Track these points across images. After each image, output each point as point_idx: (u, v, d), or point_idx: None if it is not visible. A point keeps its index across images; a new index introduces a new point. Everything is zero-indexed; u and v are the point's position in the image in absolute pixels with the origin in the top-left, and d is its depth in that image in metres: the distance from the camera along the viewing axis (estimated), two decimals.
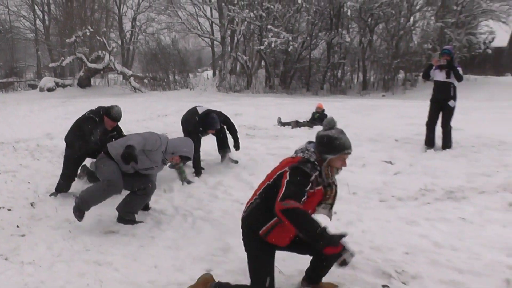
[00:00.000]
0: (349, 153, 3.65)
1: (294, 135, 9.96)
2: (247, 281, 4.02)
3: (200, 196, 6.47)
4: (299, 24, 28.52)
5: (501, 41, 34.27)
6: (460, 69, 9.02)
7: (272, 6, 26.37)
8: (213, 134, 7.89)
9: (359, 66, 29.06)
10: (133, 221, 5.54)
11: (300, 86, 28.48)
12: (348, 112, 14.34)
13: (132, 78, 27.89)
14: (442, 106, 8.97)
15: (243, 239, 3.83)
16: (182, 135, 7.48)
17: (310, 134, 10.36)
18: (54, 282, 4.03)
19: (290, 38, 25.74)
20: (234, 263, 4.40)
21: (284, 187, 3.40)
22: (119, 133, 6.75)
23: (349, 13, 27.08)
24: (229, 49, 28.15)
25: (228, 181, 6.92)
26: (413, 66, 27.50)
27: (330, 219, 3.90)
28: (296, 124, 11.70)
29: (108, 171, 5.39)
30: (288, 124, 11.74)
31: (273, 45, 25.46)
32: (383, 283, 4.02)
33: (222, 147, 8.12)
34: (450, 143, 9.05)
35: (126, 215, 5.55)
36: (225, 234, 5.04)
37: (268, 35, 25.78)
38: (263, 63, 29.01)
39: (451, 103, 8.89)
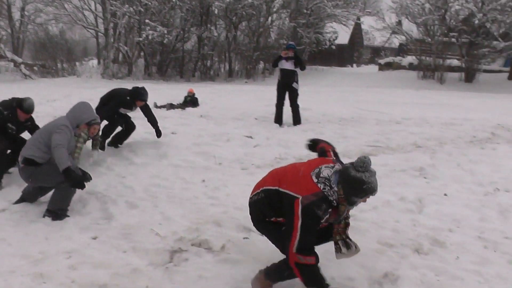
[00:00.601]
0: (374, 195, 3.04)
1: (168, 116, 9.82)
2: (128, 245, 3.94)
3: None
4: (174, 20, 27.88)
5: (343, 40, 36.66)
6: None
7: (149, 3, 25.60)
8: (121, 126, 7.13)
9: (226, 57, 29.20)
10: (65, 216, 4.67)
11: (174, 74, 28.02)
12: (216, 96, 14.40)
13: (22, 66, 25.73)
14: (287, 89, 9.36)
15: (253, 223, 3.42)
16: None
17: (183, 114, 10.31)
18: None
19: (166, 32, 25.22)
20: (116, 229, 4.28)
21: (299, 234, 2.89)
22: (33, 123, 5.91)
23: (216, 11, 27.10)
24: (112, 40, 26.96)
25: (111, 158, 6.67)
26: (271, 58, 28.06)
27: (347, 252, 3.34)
28: (171, 106, 11.54)
29: (51, 176, 4.59)
30: (163, 106, 11.54)
31: (150, 38, 24.84)
32: (244, 236, 4.11)
33: (118, 140, 7.25)
34: (299, 120, 9.45)
35: (62, 213, 4.63)
36: (107, 205, 4.86)
37: (146, 29, 25.07)
38: (142, 53, 28.16)
39: (294, 85, 9.34)
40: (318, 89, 18.86)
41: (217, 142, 7.51)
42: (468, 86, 25.53)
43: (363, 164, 2.93)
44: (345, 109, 11.83)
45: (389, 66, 31.58)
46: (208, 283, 3.36)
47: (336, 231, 3.26)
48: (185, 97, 12.38)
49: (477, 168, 6.37)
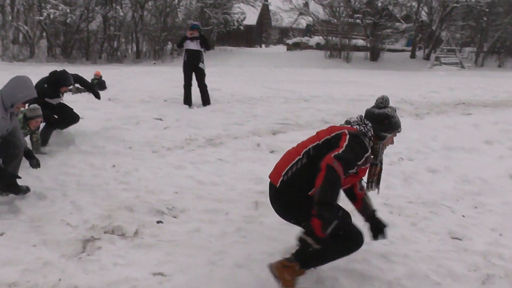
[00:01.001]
0: (400, 131, 3.14)
1: (75, 100, 9.34)
2: (38, 238, 3.68)
3: None
4: None
5: (251, 20, 36.92)
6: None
7: None
8: (53, 117, 6.27)
9: (133, 37, 28.29)
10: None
11: (80, 56, 26.71)
12: (124, 78, 13.93)
13: None
14: (194, 70, 9.28)
15: (284, 208, 3.05)
16: None
17: (90, 98, 9.83)
18: None
19: (68, 11, 23.88)
20: (25, 222, 3.94)
21: (344, 149, 2.74)
22: None
23: None
24: (9, 18, 24.96)
25: None
26: (179, 39, 27.61)
27: (378, 192, 3.38)
28: (77, 90, 10.97)
29: None
30: (69, 90, 10.96)
31: (52, 17, 23.40)
32: (157, 220, 4.03)
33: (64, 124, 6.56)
34: (209, 100, 9.41)
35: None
36: (13, 197, 4.48)
37: (47, 7, 23.58)
38: (44, 33, 26.44)
39: (201, 65, 9.29)
40: (227, 70, 18.87)
41: (126, 126, 7.29)
42: (373, 65, 26.88)
43: (382, 100, 3.07)
44: (254, 88, 11.94)
45: (297, 46, 32.39)
46: (123, 269, 3.27)
47: (372, 174, 3.23)
48: (92, 80, 11.83)
49: None
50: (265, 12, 43.92)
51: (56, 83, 6.13)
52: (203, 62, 9.34)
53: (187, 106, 9.19)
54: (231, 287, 3.07)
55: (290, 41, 34.11)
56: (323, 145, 2.92)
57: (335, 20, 28.85)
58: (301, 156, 2.96)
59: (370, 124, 3.02)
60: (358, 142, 2.85)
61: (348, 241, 2.92)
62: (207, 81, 9.45)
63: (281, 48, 36.94)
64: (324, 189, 2.64)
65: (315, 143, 2.97)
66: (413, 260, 3.46)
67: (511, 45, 29.73)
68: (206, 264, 3.32)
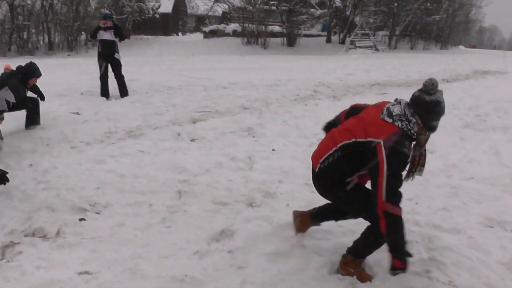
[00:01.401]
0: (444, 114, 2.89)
1: None
2: None
3: None
4: None
5: (166, 8, 36.19)
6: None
7: None
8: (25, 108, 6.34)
9: (44, 28, 26.73)
10: None
11: None
12: None
13: None
14: (109, 60, 9.02)
15: (324, 190, 3.09)
16: None
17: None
18: None
19: None
20: None
21: (385, 179, 2.65)
22: None
23: None
24: None
25: None
26: (93, 28, 26.52)
27: (421, 174, 3.17)
28: None
29: None
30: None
31: None
32: (80, 217, 3.90)
33: (32, 122, 6.63)
34: (126, 91, 9.21)
35: None
36: None
37: None
38: None
39: (117, 55, 9.07)
40: (144, 59, 18.47)
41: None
42: (290, 50, 27.32)
43: (433, 85, 2.79)
44: (172, 77, 11.80)
45: (214, 33, 32.24)
46: (46, 272, 3.14)
47: (416, 163, 3.06)
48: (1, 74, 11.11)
49: (301, 123, 6.89)
50: (180, 0, 43.19)
51: (25, 75, 6.24)
52: (118, 52, 9.10)
53: (104, 98, 8.92)
54: (157, 278, 3.05)
55: (206, 29, 33.87)
56: (359, 144, 2.83)
57: (251, 7, 28.92)
58: (337, 148, 2.92)
59: (414, 120, 2.80)
60: (396, 157, 2.70)
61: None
62: (124, 71, 9.24)
63: (198, 36, 36.53)
64: (390, 236, 2.80)
65: (351, 140, 2.86)
66: (336, 235, 3.61)
67: (421, 28, 31.55)
68: (132, 257, 3.28)
